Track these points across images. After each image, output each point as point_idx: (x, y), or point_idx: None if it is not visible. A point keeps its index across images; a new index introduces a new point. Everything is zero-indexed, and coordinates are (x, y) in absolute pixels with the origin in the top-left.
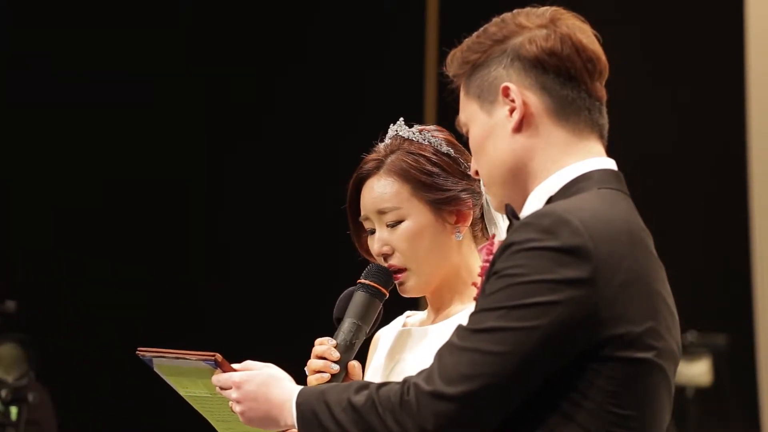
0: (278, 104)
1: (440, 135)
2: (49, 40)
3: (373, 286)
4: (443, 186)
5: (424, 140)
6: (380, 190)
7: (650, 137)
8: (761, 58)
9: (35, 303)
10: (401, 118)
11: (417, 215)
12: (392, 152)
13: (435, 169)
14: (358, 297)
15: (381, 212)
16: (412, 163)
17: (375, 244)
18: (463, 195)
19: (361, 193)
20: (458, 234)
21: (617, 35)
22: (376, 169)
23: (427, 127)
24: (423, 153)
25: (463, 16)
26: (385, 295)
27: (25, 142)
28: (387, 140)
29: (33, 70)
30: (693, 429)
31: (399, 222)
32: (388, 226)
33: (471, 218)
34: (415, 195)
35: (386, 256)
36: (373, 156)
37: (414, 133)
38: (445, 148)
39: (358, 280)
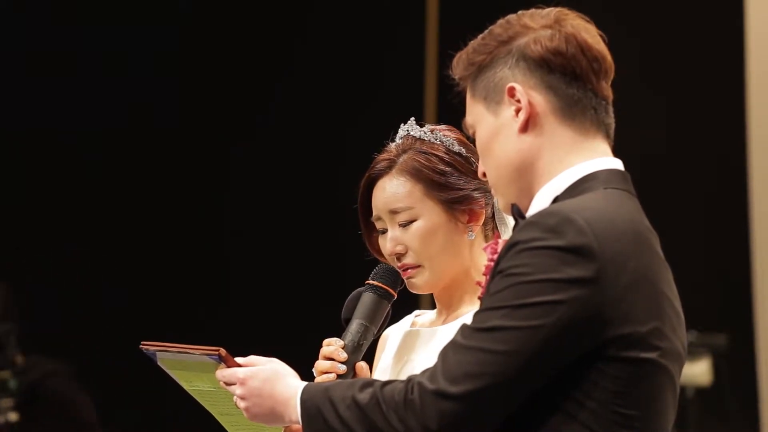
0: (278, 105)
1: (451, 134)
2: (47, 35)
3: (381, 287)
4: (456, 185)
5: (436, 139)
6: (393, 190)
7: (650, 138)
8: (761, 59)
9: (33, 300)
10: (412, 118)
11: (430, 215)
12: (404, 152)
13: (447, 169)
14: (366, 298)
15: (393, 212)
16: (425, 162)
17: (388, 244)
18: (476, 194)
19: (373, 193)
20: (471, 233)
21: (617, 36)
22: (388, 168)
23: (438, 127)
24: (435, 152)
25: (463, 16)
26: (393, 296)
27: (24, 141)
28: (398, 140)
29: (32, 70)
30: (693, 429)
31: (411, 221)
32: (400, 225)
33: (483, 217)
34: (427, 194)
35: (399, 256)
36: (384, 156)
37: (425, 133)
38: (456, 148)
39: (366, 281)
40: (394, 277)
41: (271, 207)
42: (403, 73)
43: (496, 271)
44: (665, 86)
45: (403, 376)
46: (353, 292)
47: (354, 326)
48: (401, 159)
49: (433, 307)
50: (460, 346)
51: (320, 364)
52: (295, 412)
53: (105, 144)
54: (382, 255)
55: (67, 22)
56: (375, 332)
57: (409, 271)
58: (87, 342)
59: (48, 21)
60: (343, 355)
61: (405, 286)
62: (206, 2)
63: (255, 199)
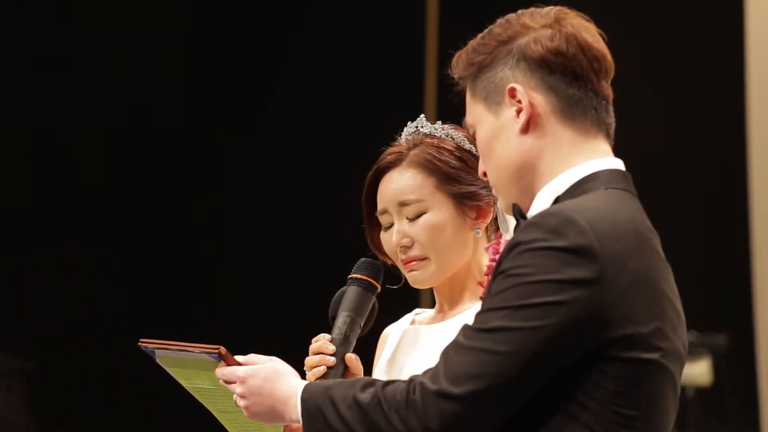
0: (278, 105)
1: (461, 133)
2: (47, 35)
3: (363, 279)
4: (467, 180)
5: (447, 136)
6: (404, 182)
7: (650, 138)
8: (761, 59)
9: (33, 300)
10: (422, 115)
11: (439, 208)
12: (415, 146)
13: (459, 164)
14: (350, 291)
15: (403, 204)
16: (437, 155)
17: (394, 237)
18: (484, 192)
19: (380, 186)
20: (478, 230)
21: (617, 36)
22: (398, 161)
23: (446, 125)
24: (447, 147)
25: (463, 16)
26: (376, 287)
27: (24, 141)
28: (407, 135)
29: (32, 70)
30: (693, 429)
31: (420, 214)
32: (408, 219)
33: (491, 216)
34: (439, 188)
35: (405, 249)
36: (394, 149)
37: (436, 129)
38: (467, 146)
39: (348, 276)
40: (375, 269)
41: (271, 207)
42: (403, 73)
43: (497, 272)
44: (665, 86)
45: (401, 374)
46: (338, 291)
47: (340, 319)
48: (412, 152)
49: (433, 304)
50: (462, 347)
51: (310, 360)
52: (296, 411)
53: (105, 144)
54: (381, 251)
55: (67, 22)
56: (362, 323)
57: (413, 263)
58: (87, 342)
59: (48, 21)
60: (332, 348)
61: (404, 282)
62: (206, 2)
63: (255, 199)
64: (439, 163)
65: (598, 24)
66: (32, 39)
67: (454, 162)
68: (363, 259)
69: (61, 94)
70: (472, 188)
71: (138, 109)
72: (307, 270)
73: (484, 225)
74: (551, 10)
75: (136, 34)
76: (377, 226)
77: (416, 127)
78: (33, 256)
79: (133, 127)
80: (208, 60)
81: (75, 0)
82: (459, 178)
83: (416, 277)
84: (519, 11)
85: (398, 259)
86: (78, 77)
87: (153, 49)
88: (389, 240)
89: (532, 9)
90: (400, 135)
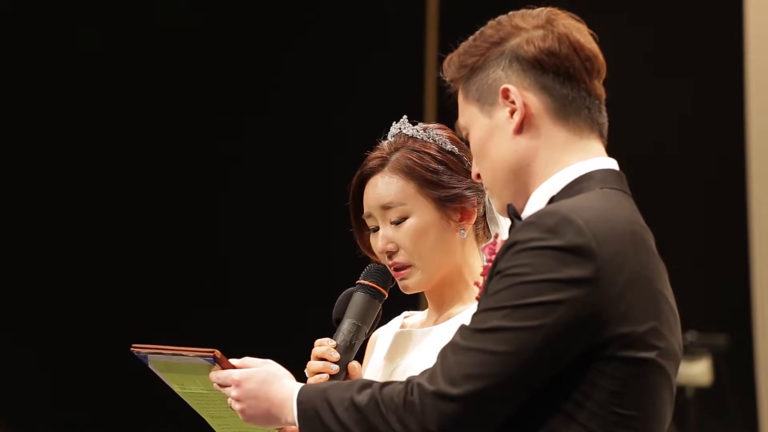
0: (276, 106)
1: (444, 133)
2: (48, 35)
3: (372, 287)
4: (448, 183)
5: (429, 138)
6: (385, 187)
7: (649, 138)
8: (761, 59)
9: (33, 300)
10: (405, 116)
11: (422, 212)
12: (396, 150)
13: (440, 167)
14: (358, 298)
15: (385, 208)
16: (417, 160)
17: (379, 242)
18: (468, 193)
19: (365, 191)
20: (462, 232)
21: (617, 35)
22: (381, 166)
23: (430, 125)
24: (427, 150)
25: (463, 16)
26: (384, 295)
27: (23, 141)
28: (390, 138)
29: (32, 69)
30: (693, 429)
31: (403, 219)
32: (392, 223)
33: (475, 216)
34: (420, 192)
35: (390, 254)
36: (376, 153)
37: (418, 131)
38: (449, 146)
39: (357, 281)
40: (385, 276)
41: (269, 207)
42: (403, 73)
43: (494, 272)
44: (665, 86)
45: (397, 377)
46: (344, 292)
47: (346, 326)
48: (394, 157)
49: (426, 307)
50: (460, 347)
51: (312, 365)
52: (292, 413)
53: (105, 144)
54: (372, 253)
55: (67, 22)
56: (367, 332)
57: (401, 272)
58: (86, 342)
59: (48, 21)
60: (336, 356)
61: (397, 285)
62: (206, 2)
63: (253, 198)
64: (418, 168)
65: (598, 24)
66: (32, 39)
67: (434, 166)
68: (373, 265)
69: (61, 94)
70: (454, 191)
71: (137, 108)
72: (305, 271)
73: (469, 226)
74: (542, 11)
75: (135, 33)
76: (366, 228)
77: (399, 128)
78: (33, 256)
79: (133, 126)
80: (208, 60)
81: (75, 0)
82: (440, 182)
83: (405, 285)
84: (510, 12)
85: (386, 262)
86: (78, 77)
87: (153, 49)
88: (377, 243)
89: (523, 10)
90: (386, 136)
